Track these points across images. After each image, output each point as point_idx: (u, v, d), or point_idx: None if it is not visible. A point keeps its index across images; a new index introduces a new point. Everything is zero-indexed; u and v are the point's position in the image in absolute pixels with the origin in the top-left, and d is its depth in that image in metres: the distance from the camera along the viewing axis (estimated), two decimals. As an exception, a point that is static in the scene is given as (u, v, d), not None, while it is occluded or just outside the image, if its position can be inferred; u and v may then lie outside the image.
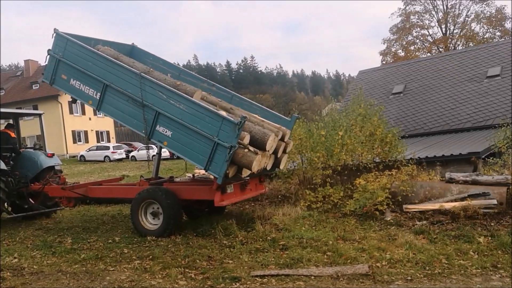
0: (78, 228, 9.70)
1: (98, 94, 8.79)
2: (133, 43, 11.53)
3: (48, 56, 9.30)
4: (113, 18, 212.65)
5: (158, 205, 8.37)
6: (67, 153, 48.57)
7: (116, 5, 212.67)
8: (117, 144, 46.87)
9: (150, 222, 8.53)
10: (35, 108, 45.53)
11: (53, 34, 9.22)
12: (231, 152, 7.40)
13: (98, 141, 53.04)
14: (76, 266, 6.78)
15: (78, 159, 43.76)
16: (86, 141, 52.38)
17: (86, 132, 53.25)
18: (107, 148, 43.90)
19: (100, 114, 55.64)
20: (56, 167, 11.26)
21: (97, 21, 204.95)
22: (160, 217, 8.38)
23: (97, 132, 55.09)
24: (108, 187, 10.25)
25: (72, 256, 7.28)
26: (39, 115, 12.35)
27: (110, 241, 8.23)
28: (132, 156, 42.05)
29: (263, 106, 10.21)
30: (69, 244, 8.17)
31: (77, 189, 10.00)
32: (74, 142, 51.01)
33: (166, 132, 8.16)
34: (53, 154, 11.48)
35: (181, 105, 7.94)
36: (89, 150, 43.89)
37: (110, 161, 41.32)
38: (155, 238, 8.17)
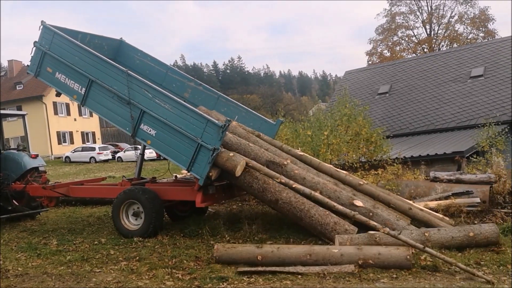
0: (63, 230, 9.62)
1: (83, 89, 8.72)
2: (121, 38, 11.44)
3: (34, 48, 9.17)
4: (100, 19, 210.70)
5: (140, 205, 8.32)
6: (52, 154, 48.06)
7: (102, 5, 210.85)
8: (103, 145, 46.52)
9: (131, 223, 8.48)
10: (19, 109, 44.96)
11: (40, 26, 9.10)
12: (214, 155, 7.42)
13: (83, 142, 52.57)
14: (62, 268, 6.72)
15: (63, 160, 43.33)
16: (72, 142, 51.89)
17: (71, 133, 52.75)
18: (93, 149, 43.53)
19: (86, 115, 55.45)
20: (40, 168, 11.15)
21: (83, 21, 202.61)
22: (141, 217, 8.34)
23: (82, 133, 54.61)
24: (89, 187, 10.16)
25: (58, 258, 7.21)
26: (23, 116, 12.21)
27: (96, 242, 8.18)
28: (119, 157, 41.76)
29: (248, 108, 10.27)
30: (55, 246, 8.09)
31: (58, 188, 9.92)
32: (59, 143, 50.49)
33: (150, 131, 8.14)
34: (37, 155, 11.36)
35: (167, 104, 7.93)
36: (75, 151, 43.48)
37: (96, 162, 40.98)
38: (141, 239, 8.13)
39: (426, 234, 6.34)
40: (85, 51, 8.78)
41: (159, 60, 11.05)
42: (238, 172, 7.53)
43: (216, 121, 7.55)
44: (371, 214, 7.18)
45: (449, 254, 6.16)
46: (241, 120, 9.99)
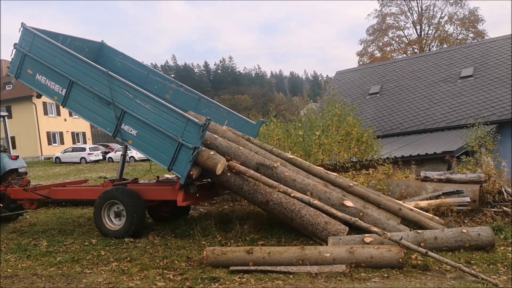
0: (53, 231, 9.55)
1: (64, 90, 8.77)
2: (102, 41, 11.52)
3: (15, 50, 9.20)
4: (89, 18, 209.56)
5: (121, 205, 8.37)
6: (42, 154, 47.71)
7: (92, 5, 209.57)
8: (93, 146, 46.25)
9: (113, 223, 8.54)
10: (9, 109, 44.57)
11: (20, 28, 9.12)
12: (194, 153, 7.48)
13: (74, 143, 52.24)
14: (52, 269, 6.67)
15: (54, 160, 43.02)
16: (62, 142, 51.53)
17: (61, 133, 52.39)
18: (83, 149, 43.27)
19: (76, 115, 54.88)
20: (20, 170, 11.10)
21: (73, 21, 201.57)
22: (123, 218, 8.38)
23: (72, 133, 54.26)
24: (71, 188, 10.18)
25: (48, 259, 7.16)
26: (3, 117, 12.05)
27: (86, 243, 8.13)
28: (109, 157, 41.54)
29: (229, 109, 10.36)
30: (45, 247, 8.02)
31: (40, 190, 9.92)
32: (49, 143, 50.12)
33: (131, 131, 8.20)
34: (17, 157, 11.29)
35: (147, 104, 7.98)
36: (65, 152, 43.18)
37: (87, 162, 40.73)
38: (132, 239, 8.12)
39: (422, 244, 6.23)
40: (66, 52, 8.82)
41: (140, 63, 11.18)
42: (219, 170, 7.58)
43: (196, 120, 7.60)
44: (361, 214, 7.21)
45: (439, 253, 6.20)
46: (222, 120, 10.08)
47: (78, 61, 8.66)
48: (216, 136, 8.50)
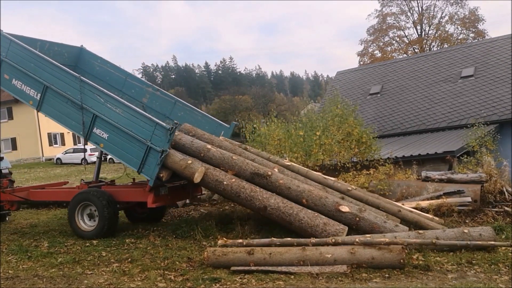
0: (54, 232, 9.56)
1: (39, 95, 8.99)
2: (82, 45, 11.79)
3: None
4: (89, 19, 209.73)
5: (94, 207, 8.54)
6: (43, 156, 47.71)
7: (91, 6, 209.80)
8: (94, 147, 46.19)
9: (86, 224, 8.73)
10: (9, 110, 44.62)
11: None
12: (162, 156, 7.73)
13: (75, 144, 52.16)
14: (53, 270, 6.67)
15: (55, 162, 43.01)
16: (63, 143, 51.48)
17: (62, 135, 52.33)
18: (84, 150, 43.22)
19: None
20: (4, 171, 11.19)
21: (73, 22, 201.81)
22: (96, 219, 8.55)
23: (73, 134, 54.23)
24: (48, 190, 10.36)
25: (49, 260, 7.16)
26: None
27: (87, 244, 8.13)
28: (110, 158, 41.48)
29: (204, 112, 10.61)
30: (46, 248, 8.03)
31: (18, 192, 10.10)
32: (50, 144, 50.09)
33: (102, 134, 8.46)
34: (2, 158, 11.40)
35: (118, 109, 8.24)
36: (66, 153, 43.15)
37: (88, 163, 40.65)
38: (133, 240, 8.14)
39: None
40: (40, 58, 9.02)
41: (118, 67, 11.44)
42: (197, 179, 7.70)
43: (164, 124, 7.83)
44: (357, 219, 7.20)
45: (441, 254, 6.20)
46: (197, 124, 10.31)
47: (51, 67, 8.89)
48: (209, 147, 8.51)
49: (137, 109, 8.32)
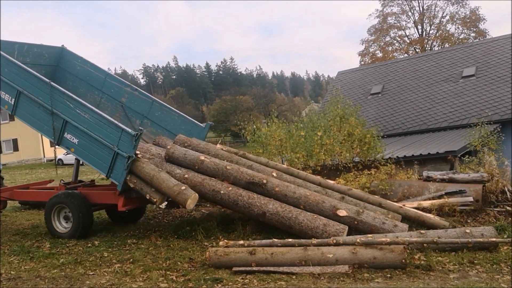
0: (56, 233, 9.55)
1: (13, 99, 9.13)
2: (62, 45, 11.84)
3: None
4: (90, 21, 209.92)
5: (69, 209, 8.69)
6: (44, 157, 47.77)
7: (91, 7, 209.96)
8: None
9: (62, 225, 8.86)
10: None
11: None
12: (129, 162, 7.85)
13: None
14: (55, 271, 6.68)
15: (56, 162, 43.04)
16: (64, 144, 51.53)
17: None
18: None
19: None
20: None
21: (73, 23, 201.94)
22: (70, 221, 8.71)
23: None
24: (30, 191, 10.41)
25: (51, 261, 7.16)
26: None
27: (89, 245, 8.14)
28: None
29: (180, 113, 10.65)
30: (48, 249, 8.03)
31: (3, 192, 10.19)
32: (52, 145, 50.14)
33: (73, 139, 8.62)
34: None
35: (86, 114, 8.40)
36: (67, 154, 43.17)
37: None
38: (135, 241, 8.15)
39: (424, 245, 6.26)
40: (13, 63, 9.14)
41: (98, 67, 11.52)
42: (190, 205, 7.62)
43: (130, 130, 7.96)
44: (355, 222, 7.24)
45: (442, 254, 6.19)
46: (173, 123, 10.47)
47: (24, 72, 9.02)
48: (202, 158, 8.45)
49: (105, 115, 8.47)
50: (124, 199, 8.42)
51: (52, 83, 8.75)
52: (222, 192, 7.87)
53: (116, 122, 8.29)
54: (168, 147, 8.82)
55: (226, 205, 8.09)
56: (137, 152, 8.11)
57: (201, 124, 10.30)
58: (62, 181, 10.11)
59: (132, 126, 10.43)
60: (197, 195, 7.67)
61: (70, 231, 8.61)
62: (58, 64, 11.61)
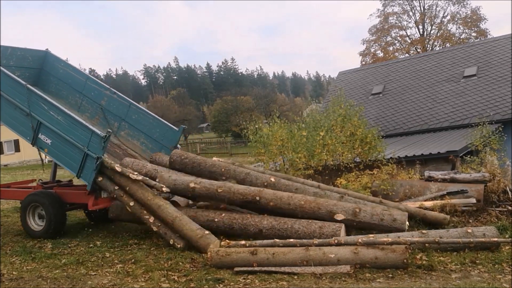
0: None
1: None
2: (47, 49, 12.15)
3: None
4: (91, 22, 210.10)
5: (42, 208, 8.93)
6: (46, 157, 47.73)
7: (92, 8, 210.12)
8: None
9: (37, 223, 9.10)
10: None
11: None
12: (98, 163, 8.13)
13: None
14: (57, 271, 6.69)
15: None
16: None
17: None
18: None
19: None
20: None
21: (74, 25, 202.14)
22: (44, 219, 8.94)
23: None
24: (9, 190, 10.55)
25: (53, 261, 7.17)
26: None
27: (91, 245, 8.15)
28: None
29: (156, 116, 10.87)
30: (49, 249, 8.04)
31: None
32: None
33: (46, 140, 8.93)
34: None
35: (59, 116, 8.67)
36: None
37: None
38: (137, 241, 8.16)
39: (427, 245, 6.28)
40: None
41: (79, 70, 11.93)
42: (211, 251, 6.98)
43: (99, 132, 8.21)
44: (354, 223, 7.31)
45: (444, 254, 6.19)
46: (149, 126, 10.69)
47: (1, 75, 9.21)
48: (193, 186, 8.27)
49: (76, 117, 8.73)
50: (94, 199, 8.69)
51: (28, 85, 9.01)
52: (216, 220, 7.88)
53: (86, 124, 8.57)
54: (157, 180, 8.53)
55: (223, 231, 8.00)
56: (135, 173, 8.14)
57: (175, 128, 10.55)
58: (40, 181, 10.30)
59: (111, 128, 10.71)
60: (218, 241, 7.30)
61: (43, 229, 8.87)
62: (42, 67, 11.94)
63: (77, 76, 11.55)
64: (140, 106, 11.15)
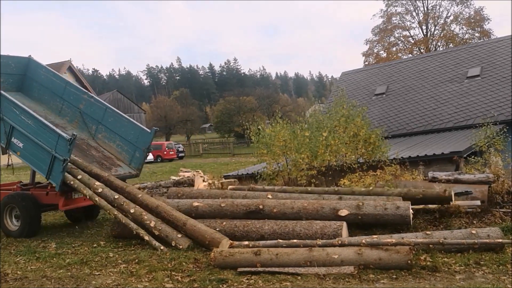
0: (62, 233, 9.60)
1: None
2: (29, 55, 12.40)
3: None
4: (94, 23, 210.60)
5: (17, 209, 9.30)
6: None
7: (96, 9, 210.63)
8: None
9: (13, 224, 9.45)
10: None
11: None
12: (64, 164, 8.47)
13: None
14: (61, 271, 6.70)
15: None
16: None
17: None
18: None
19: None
20: None
21: (77, 25, 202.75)
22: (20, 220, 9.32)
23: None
24: None
25: (57, 261, 7.19)
26: None
27: (95, 245, 8.16)
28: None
29: (130, 119, 10.99)
30: (54, 249, 8.07)
31: None
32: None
33: (19, 143, 9.32)
34: None
35: (30, 120, 9.04)
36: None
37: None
38: (140, 241, 8.15)
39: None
40: None
41: (60, 76, 12.20)
42: (223, 245, 7.16)
43: (65, 135, 8.55)
44: (359, 217, 7.39)
45: (448, 255, 6.18)
46: (124, 129, 10.79)
47: None
48: (196, 204, 8.43)
49: (45, 121, 9.05)
50: (65, 200, 9.09)
51: (1, 91, 9.38)
52: (218, 228, 7.85)
53: (53, 127, 8.88)
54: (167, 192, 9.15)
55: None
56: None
57: (148, 130, 10.68)
58: (20, 183, 10.56)
59: (89, 131, 11.10)
60: (227, 240, 7.34)
61: (19, 229, 9.21)
62: (25, 73, 12.20)
63: (58, 81, 11.82)
64: (115, 109, 11.28)
